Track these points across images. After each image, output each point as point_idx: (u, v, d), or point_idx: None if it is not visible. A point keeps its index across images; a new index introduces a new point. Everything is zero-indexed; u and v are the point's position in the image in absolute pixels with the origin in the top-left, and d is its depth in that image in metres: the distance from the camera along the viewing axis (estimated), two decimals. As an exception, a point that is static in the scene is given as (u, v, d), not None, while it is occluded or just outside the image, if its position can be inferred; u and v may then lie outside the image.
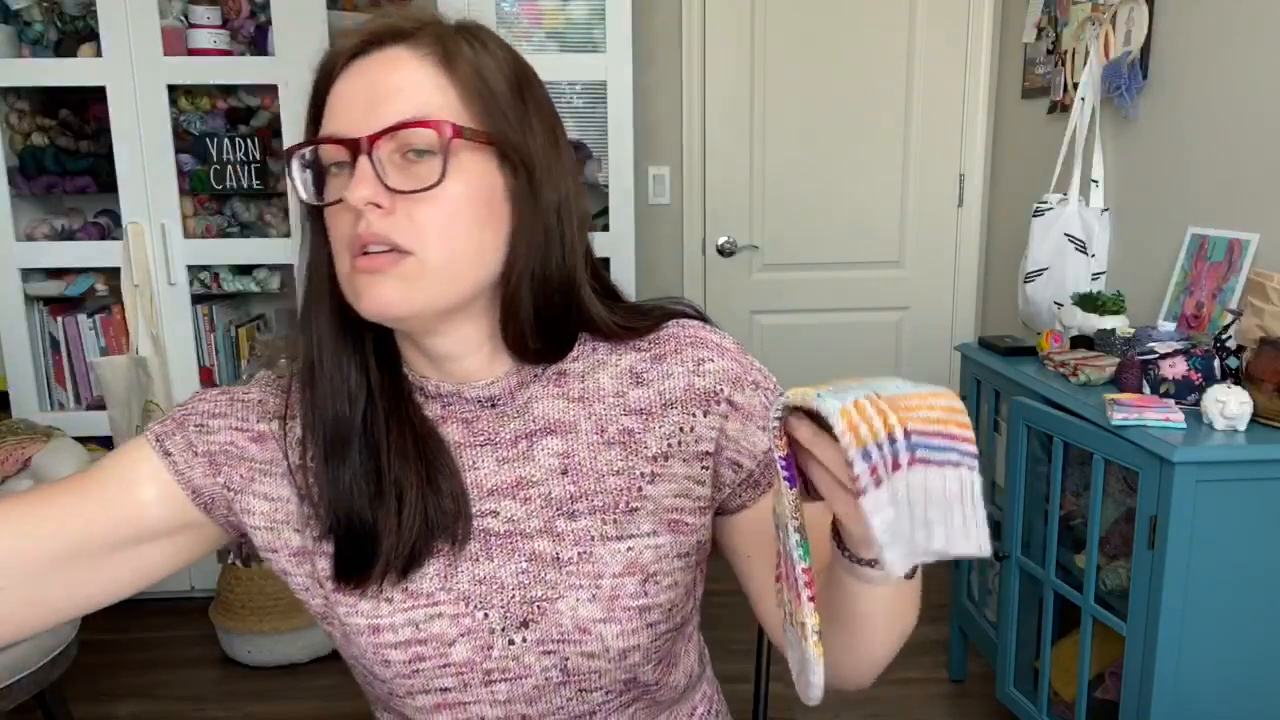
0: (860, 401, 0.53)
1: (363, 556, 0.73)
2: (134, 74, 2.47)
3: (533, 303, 0.73)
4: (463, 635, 0.74)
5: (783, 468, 0.59)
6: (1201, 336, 1.80)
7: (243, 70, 2.55)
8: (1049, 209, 2.35)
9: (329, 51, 0.71)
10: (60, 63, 2.51)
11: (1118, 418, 1.59)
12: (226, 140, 2.60)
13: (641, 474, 0.76)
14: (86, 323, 2.69)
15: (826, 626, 0.69)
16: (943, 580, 2.52)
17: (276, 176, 2.61)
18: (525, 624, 0.74)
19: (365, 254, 0.67)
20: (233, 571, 2.45)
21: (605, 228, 2.68)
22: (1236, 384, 1.60)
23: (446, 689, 0.74)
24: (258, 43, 2.55)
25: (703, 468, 0.77)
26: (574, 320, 0.76)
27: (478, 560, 0.75)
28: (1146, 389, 1.72)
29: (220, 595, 2.50)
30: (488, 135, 0.69)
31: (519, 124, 0.70)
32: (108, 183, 2.57)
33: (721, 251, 3.13)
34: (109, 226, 2.66)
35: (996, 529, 2.21)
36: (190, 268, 2.61)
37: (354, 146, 0.66)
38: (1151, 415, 1.58)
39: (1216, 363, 1.67)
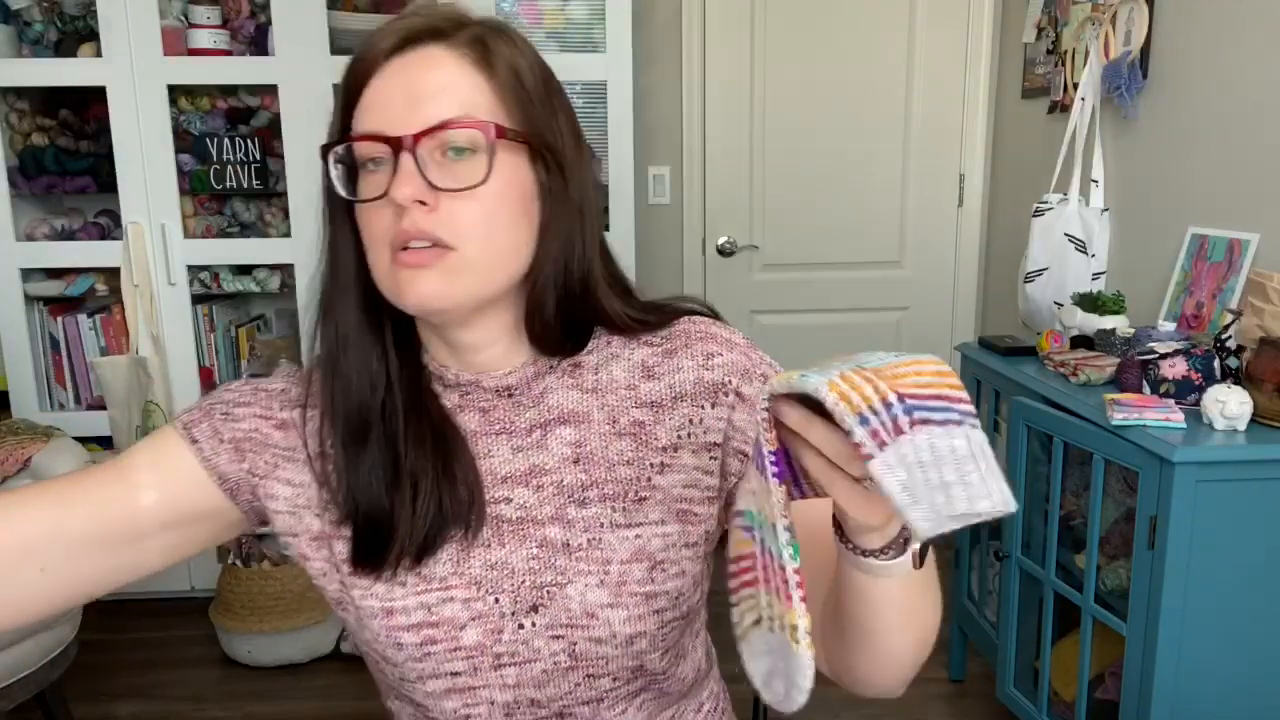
0: (846, 374, 0.52)
1: (379, 542, 0.74)
2: (134, 74, 2.47)
3: (555, 296, 0.75)
4: (474, 619, 0.75)
5: (772, 464, 0.58)
6: (1201, 336, 1.80)
7: (243, 70, 2.55)
8: (1049, 209, 2.35)
9: (364, 48, 0.71)
10: (60, 63, 2.51)
11: (1118, 418, 1.59)
12: (226, 140, 2.60)
13: (651, 464, 0.78)
14: (86, 323, 2.69)
15: (839, 628, 0.69)
16: (943, 580, 2.52)
17: (276, 176, 2.61)
18: (535, 608, 0.75)
19: (406, 249, 0.69)
20: (233, 571, 2.45)
21: (605, 228, 2.68)
22: (1236, 384, 1.60)
23: (457, 673, 0.76)
24: (258, 43, 2.55)
25: (711, 458, 0.78)
26: (591, 313, 0.78)
27: (490, 546, 0.77)
28: (1146, 389, 1.72)
29: (220, 595, 2.50)
30: (525, 134, 0.71)
31: (550, 122, 0.73)
32: (108, 183, 2.57)
33: (721, 251, 3.13)
34: (109, 226, 2.66)
35: (996, 529, 2.22)
36: (190, 268, 2.61)
37: (397, 144, 0.68)
38: (1151, 415, 1.58)
39: (1216, 363, 1.67)
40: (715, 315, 0.84)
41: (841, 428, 0.51)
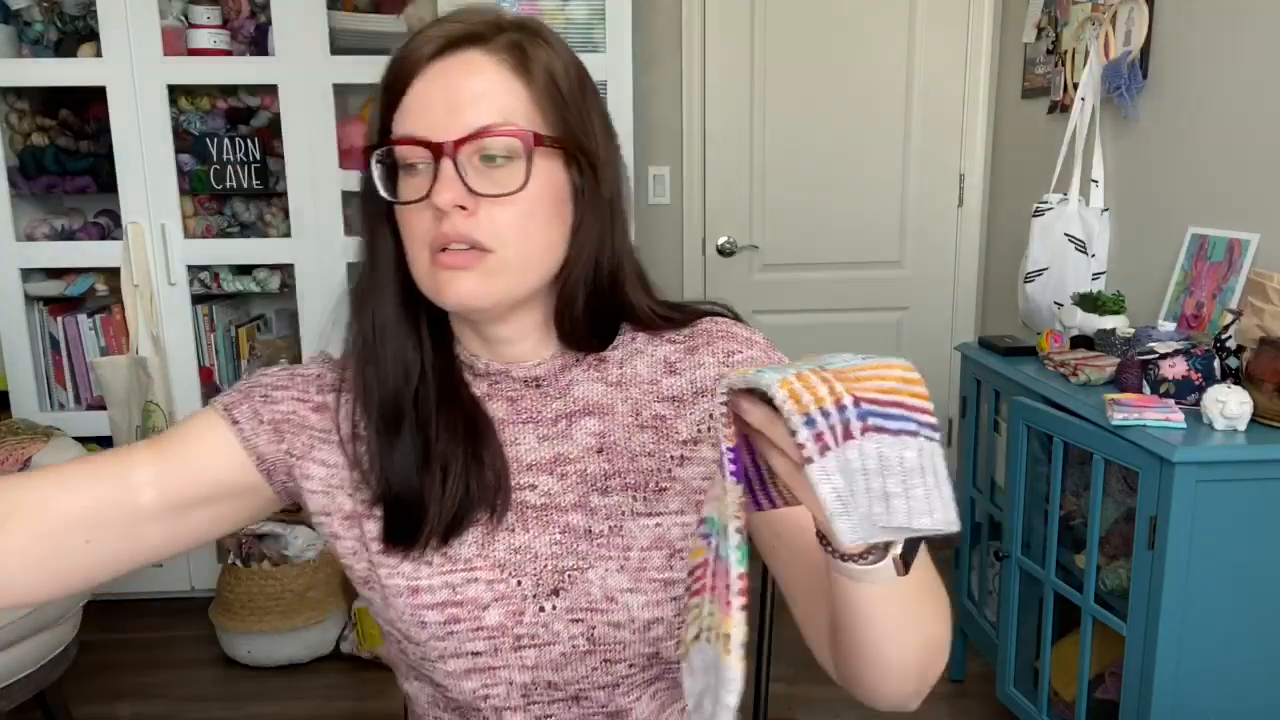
0: (804, 373, 0.51)
1: (409, 521, 0.77)
2: (134, 74, 2.47)
3: (585, 293, 0.78)
4: (496, 600, 0.78)
5: (729, 462, 0.57)
6: (1201, 336, 1.80)
7: (243, 70, 2.55)
8: (1049, 209, 2.35)
9: (405, 51, 0.74)
10: (60, 63, 2.51)
11: (1118, 418, 1.59)
12: (226, 140, 2.60)
13: (671, 456, 0.80)
14: (86, 323, 2.69)
15: (838, 637, 0.68)
16: (943, 580, 2.52)
17: (276, 176, 2.61)
18: (556, 592, 0.78)
19: (445, 250, 0.72)
20: (233, 571, 2.45)
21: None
22: (1236, 384, 1.60)
23: (478, 652, 0.78)
24: (258, 43, 2.55)
25: None
26: (618, 309, 0.81)
27: (514, 531, 0.79)
28: (1146, 389, 1.72)
29: (220, 595, 2.50)
30: (561, 140, 0.74)
31: (584, 125, 0.75)
32: (108, 183, 2.57)
33: (721, 251, 3.13)
34: (109, 226, 2.66)
35: (996, 529, 2.22)
36: (190, 268, 2.61)
37: (438, 150, 0.70)
38: (1151, 415, 1.58)
39: (1216, 363, 1.67)
40: (736, 317, 0.87)
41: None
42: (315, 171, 2.55)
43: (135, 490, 0.74)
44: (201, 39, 2.50)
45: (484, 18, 0.74)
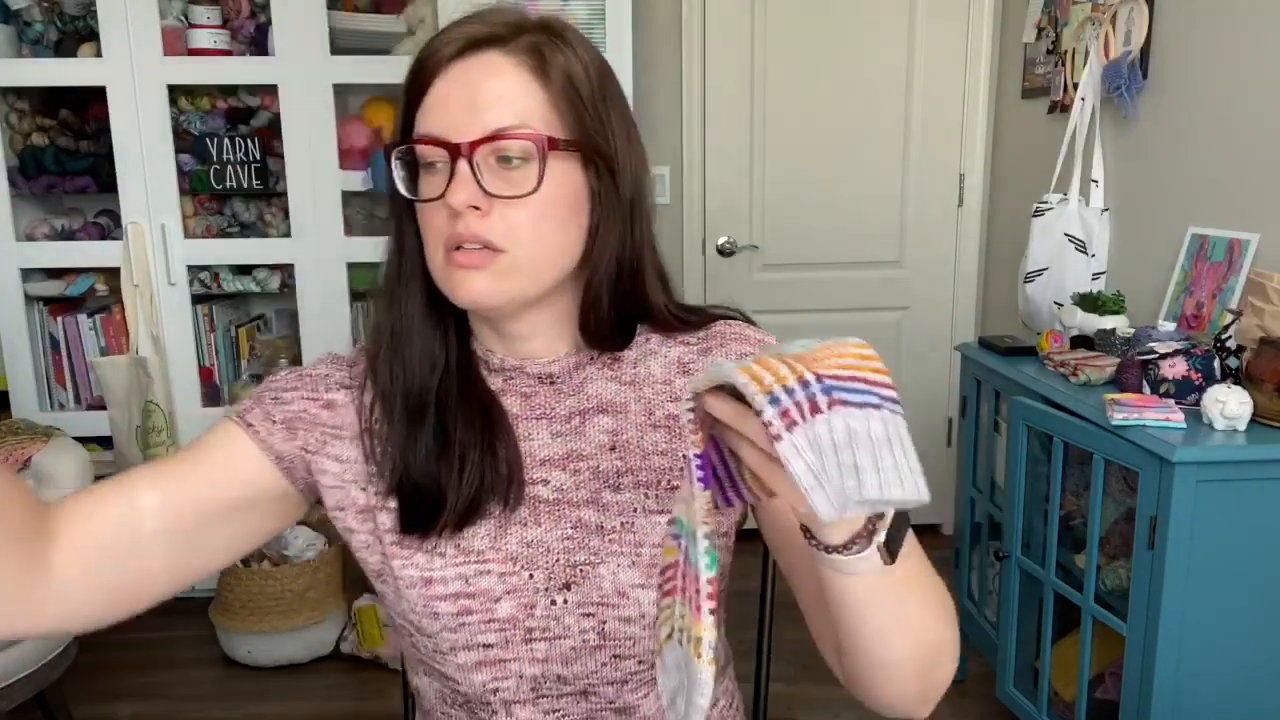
0: (762, 359, 0.51)
1: (426, 510, 0.78)
2: (134, 74, 2.47)
3: (609, 293, 0.79)
4: (509, 593, 0.78)
5: (697, 468, 0.56)
6: (1201, 336, 1.80)
7: (243, 70, 2.55)
8: (1049, 209, 2.35)
9: (428, 50, 0.75)
10: (60, 63, 2.51)
11: (1118, 418, 1.59)
12: (226, 140, 2.60)
13: (683, 456, 0.80)
14: (86, 323, 2.69)
15: (838, 640, 0.68)
16: (944, 580, 2.52)
17: (276, 176, 2.61)
18: (568, 585, 0.79)
19: (459, 249, 0.73)
20: (233, 571, 2.45)
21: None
22: (1236, 384, 1.60)
23: (489, 645, 0.78)
24: (258, 43, 2.55)
25: None
26: (638, 307, 0.82)
27: (526, 524, 0.80)
28: (1146, 389, 1.72)
29: (220, 595, 2.50)
30: (577, 143, 0.74)
31: (602, 127, 0.76)
32: (108, 183, 2.57)
33: (721, 251, 3.13)
34: (109, 226, 2.66)
35: (996, 529, 2.22)
36: (190, 268, 2.61)
37: (455, 151, 0.71)
38: (1151, 415, 1.58)
39: (1216, 363, 1.67)
40: (749, 321, 0.88)
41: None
42: (315, 171, 2.55)
43: (139, 514, 0.74)
44: (201, 39, 2.50)
45: (505, 19, 0.75)
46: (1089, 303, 2.09)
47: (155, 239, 2.56)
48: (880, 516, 0.59)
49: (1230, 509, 1.51)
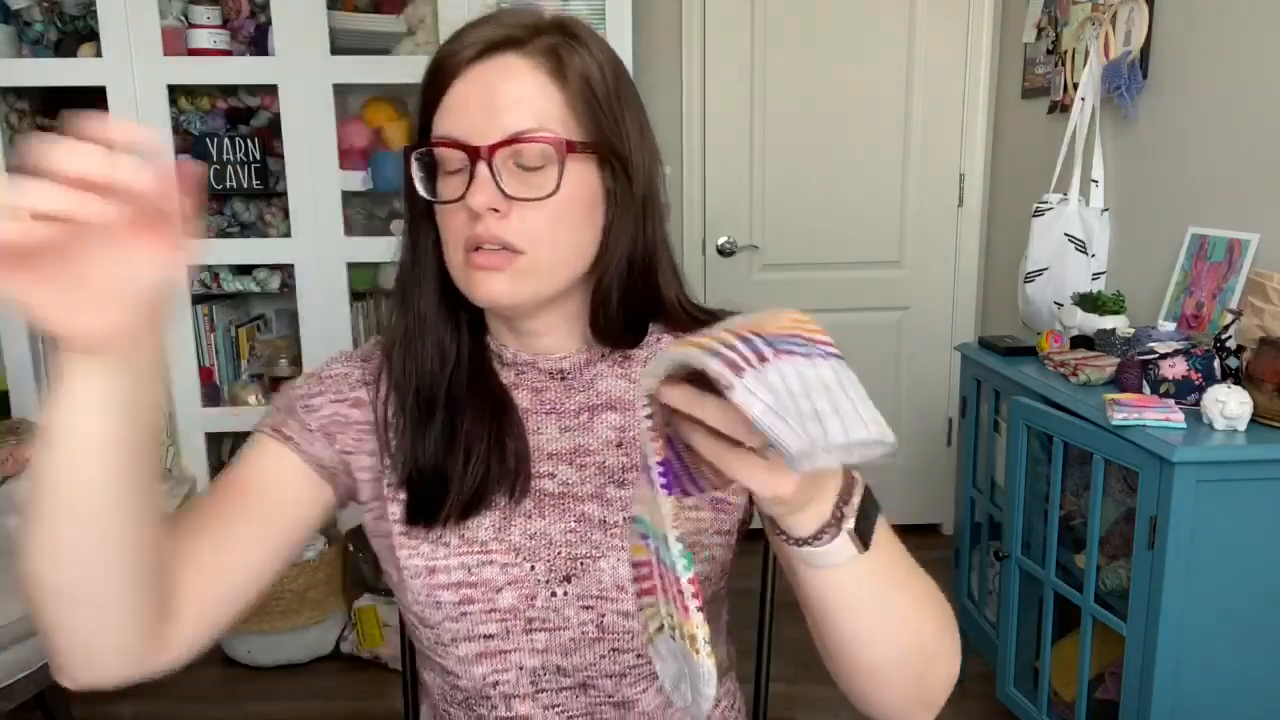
0: (703, 332, 0.51)
1: (431, 499, 0.80)
2: (134, 74, 2.47)
3: (619, 291, 0.80)
4: (510, 583, 0.80)
5: (660, 474, 0.56)
6: (1201, 336, 1.80)
7: (243, 70, 2.54)
8: (1049, 209, 2.35)
9: (445, 52, 0.76)
10: (60, 63, 2.51)
11: (1118, 418, 1.59)
12: (226, 140, 2.60)
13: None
14: (86, 323, 2.68)
15: (824, 646, 0.67)
16: (944, 580, 2.52)
17: (276, 176, 2.61)
18: (568, 578, 0.80)
19: (478, 249, 0.74)
20: (233, 571, 2.45)
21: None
22: (1236, 384, 1.60)
23: (489, 635, 0.80)
24: (258, 43, 2.55)
25: None
26: (650, 304, 0.83)
27: (530, 516, 0.81)
28: (1146, 389, 1.72)
29: (220, 595, 2.50)
30: (593, 145, 0.76)
31: (617, 127, 0.77)
32: (108, 183, 2.57)
33: (721, 251, 3.13)
34: (109, 226, 2.66)
35: (996, 529, 2.22)
36: (190, 268, 2.60)
37: (474, 154, 0.73)
38: (1151, 415, 1.58)
39: (1216, 363, 1.67)
40: None
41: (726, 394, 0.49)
42: (315, 171, 2.55)
43: (229, 561, 0.76)
44: (201, 39, 2.50)
45: (522, 20, 0.76)
46: (1089, 303, 2.09)
47: (155, 239, 2.56)
48: (846, 502, 0.59)
49: (1230, 509, 1.51)
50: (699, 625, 0.55)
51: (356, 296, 2.64)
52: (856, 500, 0.59)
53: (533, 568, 0.80)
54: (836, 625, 0.63)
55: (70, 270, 0.49)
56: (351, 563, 2.62)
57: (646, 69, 2.93)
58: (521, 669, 0.80)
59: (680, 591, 0.56)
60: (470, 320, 0.83)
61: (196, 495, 2.70)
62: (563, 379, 0.84)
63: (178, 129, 2.58)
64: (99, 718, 2.28)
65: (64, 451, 0.59)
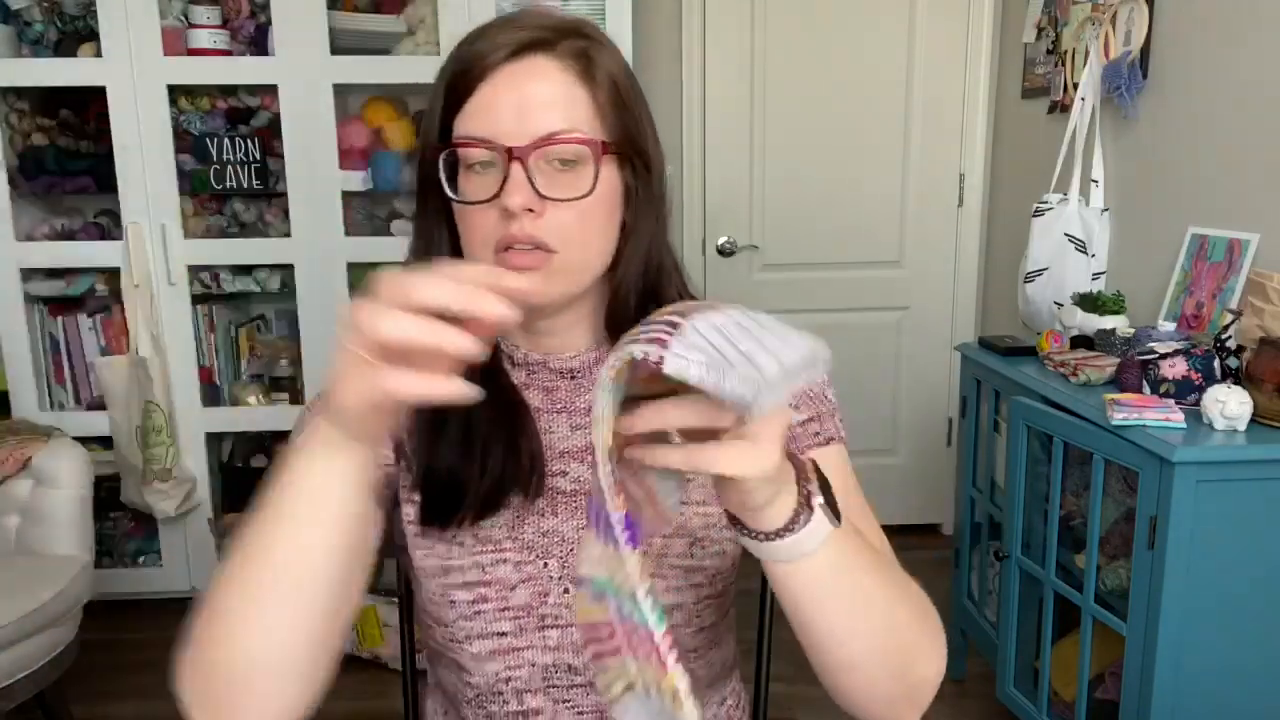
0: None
1: (446, 502, 0.80)
2: (134, 74, 2.47)
3: (637, 291, 0.81)
4: (524, 581, 0.81)
5: (625, 529, 0.55)
6: (1201, 336, 1.80)
7: (243, 70, 2.55)
8: (1049, 209, 2.35)
9: (470, 54, 0.75)
10: (60, 63, 2.51)
11: (1118, 418, 1.59)
12: (226, 140, 2.60)
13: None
14: (86, 323, 2.69)
15: (808, 650, 0.67)
16: (944, 580, 2.52)
17: (276, 176, 2.61)
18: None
19: (509, 249, 0.74)
20: (233, 571, 2.45)
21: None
22: (1236, 384, 1.60)
23: (503, 633, 0.81)
24: (258, 43, 2.55)
25: None
26: (658, 303, 0.82)
27: (544, 515, 0.82)
28: (1146, 389, 1.72)
29: (220, 595, 2.49)
30: (621, 145, 0.77)
31: (640, 128, 0.79)
32: (108, 183, 2.57)
33: (721, 251, 3.13)
34: (109, 226, 2.66)
35: (996, 529, 2.22)
36: (190, 268, 2.61)
37: (508, 154, 0.73)
38: (1151, 415, 1.58)
39: (1216, 363, 1.67)
40: None
41: (692, 394, 0.51)
42: (315, 171, 2.55)
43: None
44: (201, 39, 2.50)
45: (546, 22, 0.77)
46: (1089, 303, 2.09)
47: (155, 239, 2.56)
48: (809, 480, 0.60)
49: (1230, 509, 1.51)
50: (679, 677, 0.54)
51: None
52: (814, 477, 0.61)
53: (545, 565, 0.81)
54: (814, 622, 0.64)
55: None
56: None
57: (646, 69, 2.93)
58: (534, 666, 0.81)
59: (655, 647, 0.55)
60: None
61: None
62: (573, 378, 0.85)
63: (178, 129, 2.58)
64: (99, 718, 2.28)
65: (313, 523, 0.61)
